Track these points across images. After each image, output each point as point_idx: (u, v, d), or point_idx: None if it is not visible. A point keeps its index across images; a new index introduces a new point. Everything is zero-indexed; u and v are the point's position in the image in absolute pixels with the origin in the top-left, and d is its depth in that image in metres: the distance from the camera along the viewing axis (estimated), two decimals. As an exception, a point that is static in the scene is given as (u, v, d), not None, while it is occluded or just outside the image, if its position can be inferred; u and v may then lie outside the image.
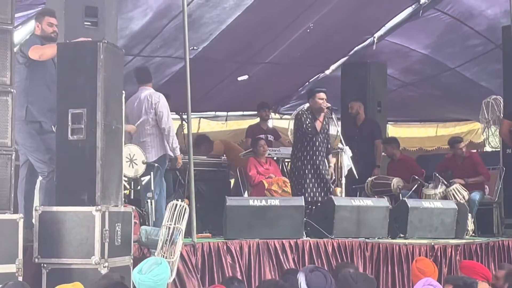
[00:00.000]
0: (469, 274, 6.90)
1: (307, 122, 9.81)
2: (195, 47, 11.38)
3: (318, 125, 9.79)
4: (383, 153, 12.37)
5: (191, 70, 8.07)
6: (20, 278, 6.25)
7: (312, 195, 9.66)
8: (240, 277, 7.82)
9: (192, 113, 8.28)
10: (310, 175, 9.75)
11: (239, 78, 13.32)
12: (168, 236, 6.93)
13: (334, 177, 10.04)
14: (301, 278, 5.51)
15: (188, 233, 7.62)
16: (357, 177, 9.95)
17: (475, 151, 14.12)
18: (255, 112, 13.88)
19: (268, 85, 14.10)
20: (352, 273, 5.90)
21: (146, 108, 9.30)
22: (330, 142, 10.04)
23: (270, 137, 12.69)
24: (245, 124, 14.64)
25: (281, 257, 8.25)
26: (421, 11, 12.64)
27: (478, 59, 13.63)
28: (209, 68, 12.41)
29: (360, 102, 12.51)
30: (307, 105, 10.12)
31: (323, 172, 9.77)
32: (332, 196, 9.40)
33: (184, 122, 10.02)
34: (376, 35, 13.49)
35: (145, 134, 9.31)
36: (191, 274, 7.68)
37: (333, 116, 9.98)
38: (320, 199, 9.63)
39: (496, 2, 12.18)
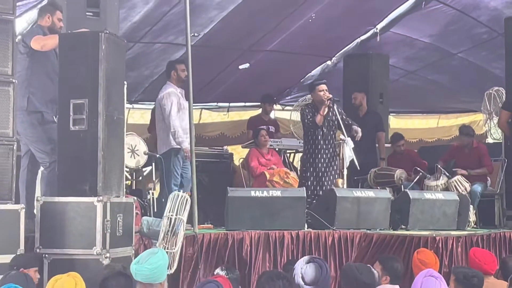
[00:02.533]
0: (476, 264, 6.91)
1: (309, 117, 9.85)
2: (195, 34, 11.34)
3: (318, 119, 9.79)
4: (386, 145, 12.38)
5: (192, 57, 8.04)
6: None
7: (312, 188, 9.67)
8: (241, 268, 7.83)
9: (193, 104, 8.26)
10: (311, 168, 9.77)
11: (241, 67, 13.28)
12: (169, 227, 6.93)
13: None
14: (296, 269, 5.51)
15: (189, 224, 7.62)
16: (358, 168, 9.93)
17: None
18: (257, 103, 13.87)
19: (270, 75, 14.07)
20: (357, 264, 5.91)
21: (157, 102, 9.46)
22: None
23: (272, 128, 12.71)
24: (246, 115, 14.65)
25: (283, 248, 8.25)
26: (423, 2, 12.61)
27: (483, 45, 13.61)
28: (210, 56, 12.37)
29: (364, 93, 12.48)
30: (309, 96, 10.12)
31: (326, 165, 9.78)
32: (334, 187, 9.41)
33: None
34: (379, 26, 13.48)
35: (157, 129, 9.43)
36: (192, 265, 7.69)
37: (335, 107, 9.97)
38: (320, 192, 9.65)
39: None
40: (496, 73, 13.75)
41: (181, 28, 11.11)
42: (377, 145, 12.26)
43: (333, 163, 9.86)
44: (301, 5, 11.85)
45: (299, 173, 10.37)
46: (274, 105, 13.93)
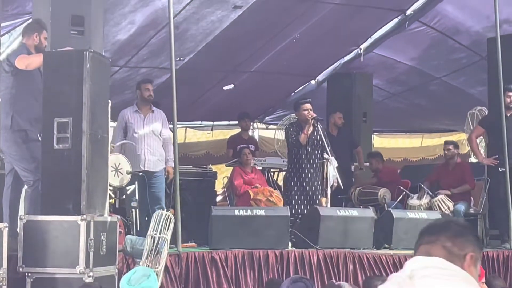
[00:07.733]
0: None
1: (293, 136, 9.88)
2: (181, 58, 11.41)
3: (302, 138, 9.81)
4: (366, 163, 12.38)
5: (177, 80, 8.09)
6: (4, 287, 6.24)
7: (296, 207, 9.69)
8: (225, 287, 7.82)
9: (178, 123, 8.29)
10: (296, 187, 9.80)
11: (225, 87, 13.37)
12: (153, 246, 6.92)
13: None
14: (282, 288, 5.52)
15: (173, 243, 7.61)
16: (342, 188, 9.95)
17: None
18: (237, 122, 13.92)
19: (254, 94, 14.13)
20: (341, 283, 5.91)
21: None
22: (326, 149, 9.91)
23: (251, 147, 12.70)
24: (231, 133, 14.65)
25: (267, 267, 8.25)
26: (407, 23, 12.69)
27: (464, 70, 13.71)
28: (195, 78, 12.45)
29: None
30: (294, 115, 10.17)
31: (310, 184, 9.79)
32: (318, 207, 9.42)
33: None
34: (362, 46, 13.54)
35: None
36: (175, 284, 7.68)
37: (319, 126, 9.98)
38: (304, 212, 9.66)
39: (482, 17, 12.23)
40: (475, 95, 13.85)
41: (167, 53, 11.23)
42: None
43: (317, 182, 9.87)
44: (286, 27, 11.92)
45: (282, 192, 10.37)
46: (256, 122, 13.94)
